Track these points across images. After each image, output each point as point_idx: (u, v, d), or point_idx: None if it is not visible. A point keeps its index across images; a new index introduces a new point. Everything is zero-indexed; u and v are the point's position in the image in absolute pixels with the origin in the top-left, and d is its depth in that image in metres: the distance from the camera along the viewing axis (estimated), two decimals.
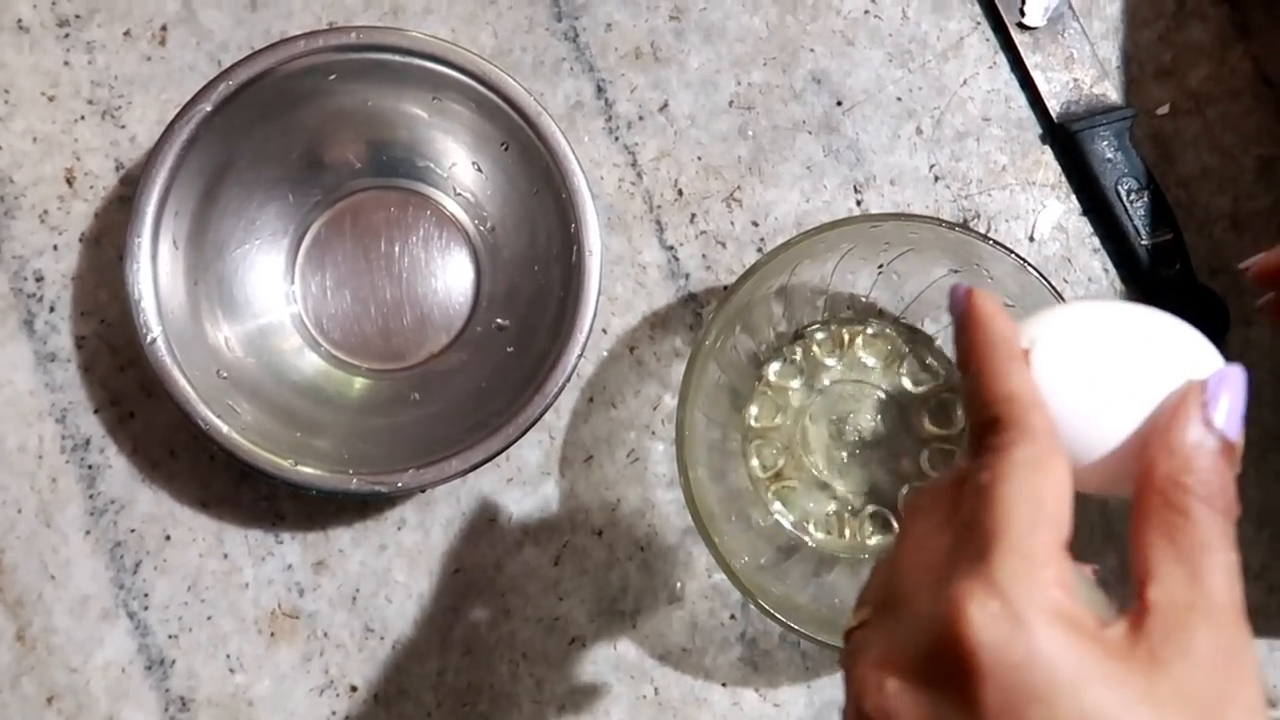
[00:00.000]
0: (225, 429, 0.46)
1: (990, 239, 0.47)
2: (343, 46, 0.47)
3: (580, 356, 0.47)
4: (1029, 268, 0.46)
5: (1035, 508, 0.28)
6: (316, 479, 0.46)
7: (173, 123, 0.46)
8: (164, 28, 0.53)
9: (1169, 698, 0.26)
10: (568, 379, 0.47)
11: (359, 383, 0.51)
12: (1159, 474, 0.29)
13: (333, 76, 0.48)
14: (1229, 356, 0.53)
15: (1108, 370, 0.30)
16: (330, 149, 0.51)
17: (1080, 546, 0.31)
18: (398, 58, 0.48)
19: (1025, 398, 0.30)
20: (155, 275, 0.47)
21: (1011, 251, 0.46)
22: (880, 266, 0.51)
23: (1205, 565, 0.28)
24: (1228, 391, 0.30)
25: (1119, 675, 0.26)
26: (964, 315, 0.32)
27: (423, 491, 0.52)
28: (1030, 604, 0.26)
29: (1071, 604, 0.27)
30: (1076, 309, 0.32)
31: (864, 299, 0.52)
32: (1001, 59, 0.55)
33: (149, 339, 0.46)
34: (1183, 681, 0.26)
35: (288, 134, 0.49)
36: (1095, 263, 0.54)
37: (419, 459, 0.47)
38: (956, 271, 0.49)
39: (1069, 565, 0.28)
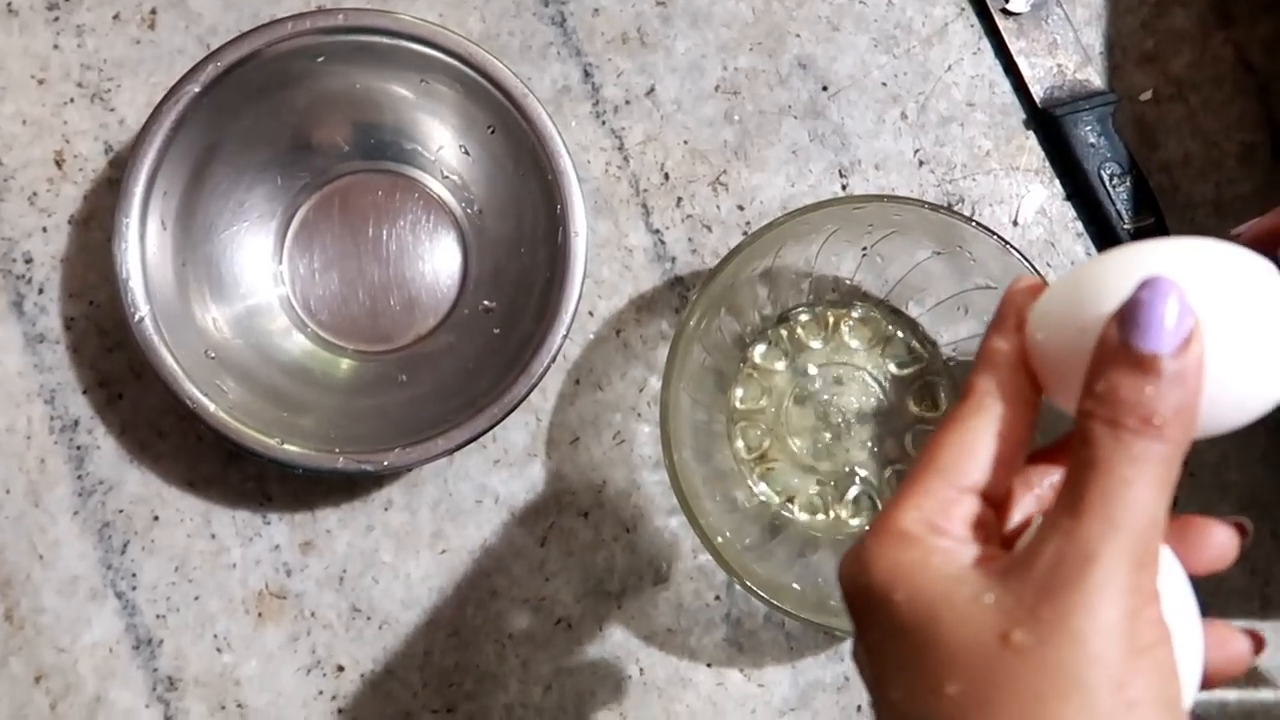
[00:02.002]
0: (212, 408, 0.46)
1: (973, 220, 0.47)
2: (330, 29, 0.47)
3: (565, 338, 0.48)
4: (1011, 249, 0.47)
5: (929, 457, 0.30)
6: (303, 458, 0.46)
7: (160, 104, 0.47)
8: (153, 11, 0.53)
9: (987, 606, 0.27)
10: (553, 360, 0.47)
11: (346, 364, 0.51)
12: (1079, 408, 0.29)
13: (320, 59, 0.48)
14: None
15: (1094, 317, 0.29)
16: (318, 131, 0.51)
17: None
18: (385, 40, 0.48)
19: (982, 362, 0.31)
20: (144, 255, 0.47)
21: (993, 233, 0.47)
22: (864, 249, 0.51)
23: (1085, 485, 0.27)
24: (1138, 304, 0.28)
25: (946, 592, 0.28)
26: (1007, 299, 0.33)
27: (409, 471, 0.52)
28: (877, 536, 0.29)
29: (929, 539, 0.29)
30: (1082, 266, 0.31)
31: (848, 282, 0.53)
32: (986, 45, 0.55)
33: (137, 318, 0.46)
34: (1010, 590, 0.27)
35: (276, 116, 0.50)
36: (1078, 247, 0.55)
37: (405, 439, 0.47)
38: (939, 254, 0.50)
39: (967, 508, 0.30)
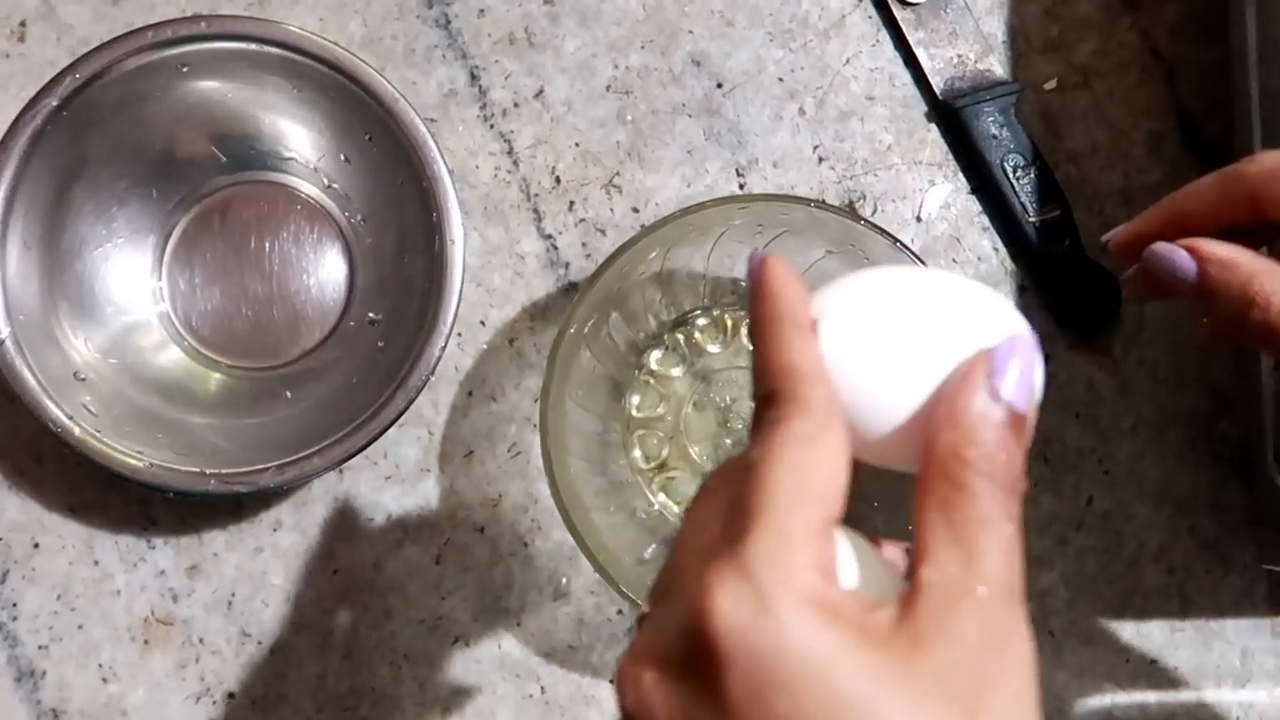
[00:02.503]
0: (77, 431, 0.45)
1: (861, 218, 0.46)
2: (193, 36, 0.46)
3: (444, 349, 0.46)
4: (900, 247, 0.45)
5: (799, 485, 0.26)
6: (172, 479, 0.45)
7: (16, 120, 0.45)
8: (23, 23, 0.52)
9: (927, 682, 0.25)
10: (431, 373, 0.46)
11: (226, 381, 0.50)
12: (940, 446, 0.27)
13: (185, 68, 0.47)
14: (1124, 332, 0.53)
15: (897, 339, 0.29)
16: (191, 144, 0.49)
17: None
18: (252, 47, 0.47)
19: (803, 370, 0.28)
20: (4, 277, 0.45)
21: (882, 231, 0.45)
22: (759, 248, 0.50)
23: (981, 543, 0.26)
24: (1017, 359, 0.28)
25: (874, 661, 0.25)
26: (754, 284, 0.30)
27: (294, 491, 0.50)
28: (779, 588, 0.25)
29: (826, 588, 0.26)
30: (872, 275, 0.31)
31: (745, 283, 0.51)
32: (884, 36, 0.54)
33: None
34: (944, 665, 0.25)
35: (144, 129, 0.48)
36: (984, 241, 0.53)
37: (284, 458, 0.46)
38: (833, 253, 0.48)
39: (835, 546, 0.27)
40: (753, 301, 0.30)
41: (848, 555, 0.28)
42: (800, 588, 0.25)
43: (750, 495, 0.26)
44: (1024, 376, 0.28)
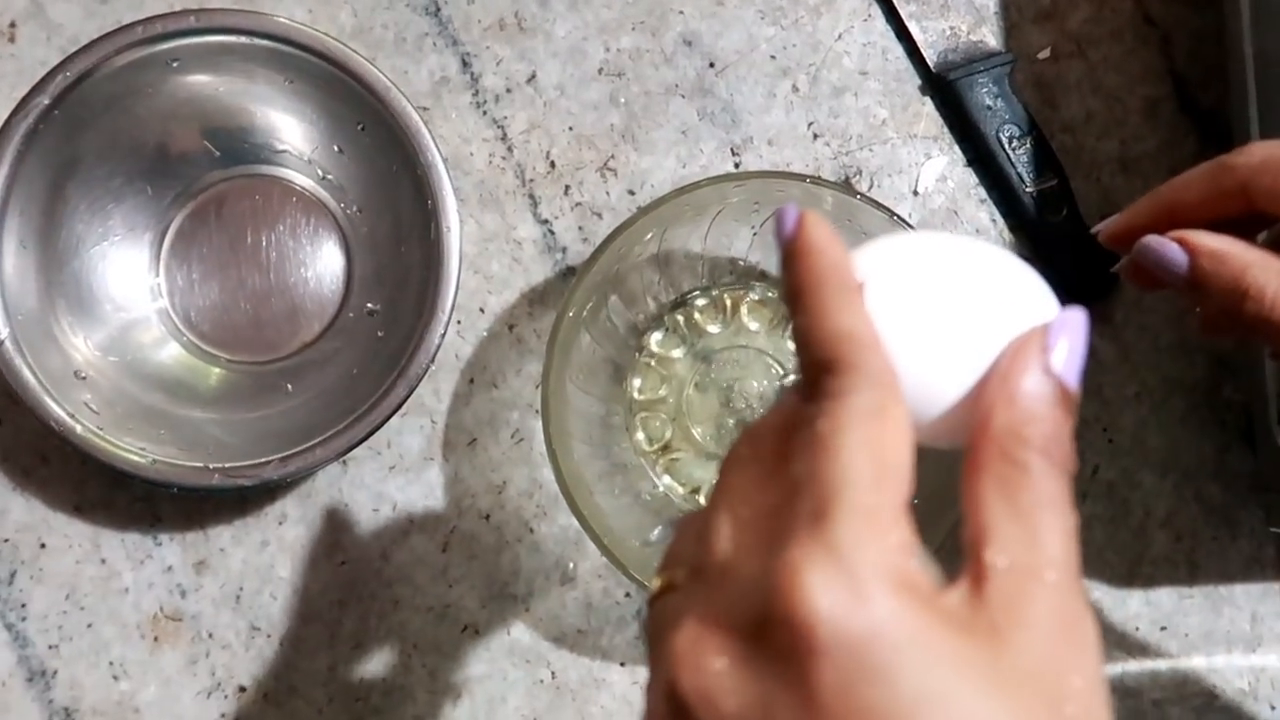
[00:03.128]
0: (79, 429, 0.45)
1: (858, 193, 0.46)
2: (182, 31, 0.46)
3: (443, 337, 0.46)
4: (898, 220, 0.45)
5: (878, 461, 0.25)
6: (176, 475, 0.45)
7: (9, 120, 0.45)
8: (13, 24, 0.52)
9: (1012, 673, 0.24)
10: (431, 361, 0.46)
11: (227, 376, 0.50)
12: (997, 425, 0.27)
13: (176, 63, 0.47)
14: (1125, 301, 0.53)
15: (947, 310, 0.28)
16: (185, 139, 0.49)
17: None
18: (242, 39, 0.47)
19: (864, 337, 0.27)
20: (1, 276, 0.45)
21: (879, 205, 0.45)
22: (754, 228, 0.50)
23: (1043, 524, 0.26)
24: (1068, 337, 0.28)
25: (964, 651, 0.24)
26: (794, 243, 0.29)
27: (299, 483, 0.50)
28: (874, 572, 0.24)
29: (914, 571, 0.25)
30: (913, 240, 0.30)
31: (743, 262, 0.51)
32: (876, 10, 0.54)
33: None
34: (1024, 654, 0.24)
35: (137, 125, 0.48)
36: (982, 213, 0.53)
37: (287, 451, 0.46)
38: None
39: (910, 526, 0.25)
40: (792, 260, 0.28)
41: None
42: (892, 570, 0.24)
43: (825, 470, 0.25)
44: (1074, 354, 0.27)
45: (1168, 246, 0.37)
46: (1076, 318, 0.28)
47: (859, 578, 0.24)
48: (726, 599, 0.26)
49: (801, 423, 0.27)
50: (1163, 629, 0.52)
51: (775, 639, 0.24)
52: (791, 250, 0.29)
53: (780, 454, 0.28)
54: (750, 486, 0.28)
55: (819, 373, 0.27)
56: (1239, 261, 0.35)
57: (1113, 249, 0.40)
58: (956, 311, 0.29)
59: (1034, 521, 0.26)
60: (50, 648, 0.50)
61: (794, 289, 0.28)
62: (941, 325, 0.28)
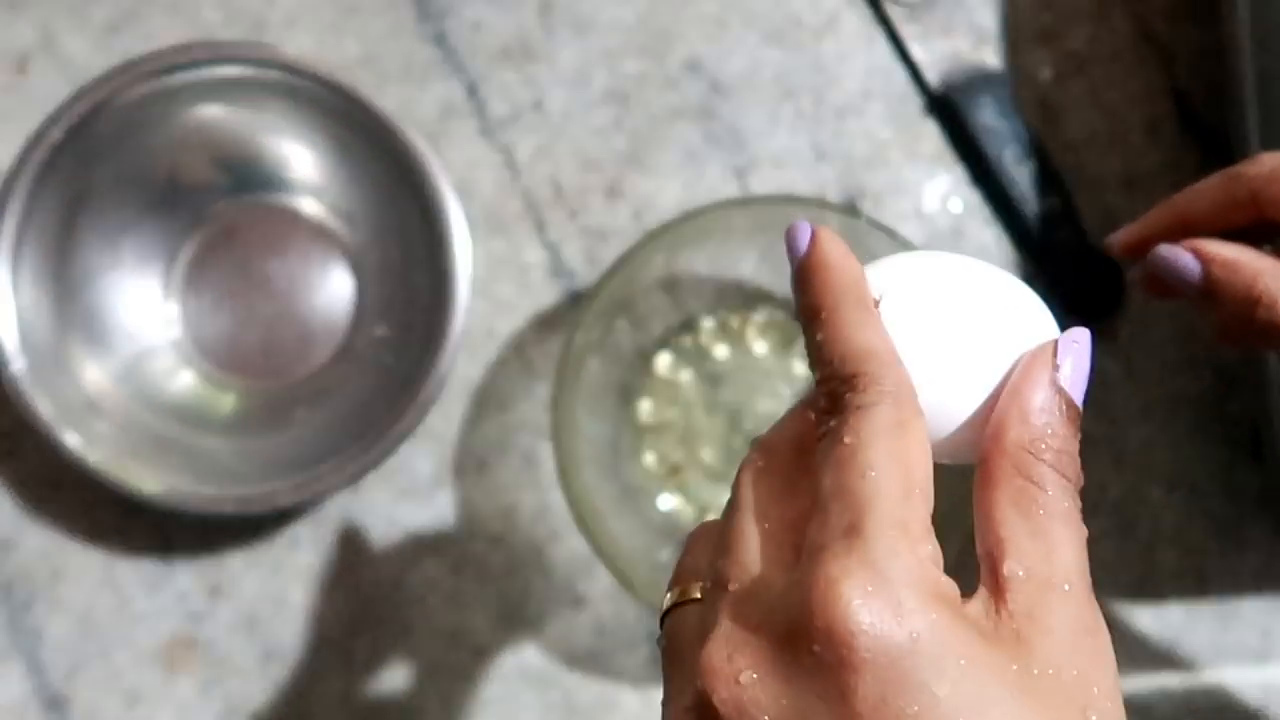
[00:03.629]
0: (92, 458, 0.45)
1: (861, 215, 0.46)
2: (192, 63, 0.46)
3: (452, 362, 0.46)
4: (900, 240, 0.46)
5: (905, 475, 0.25)
6: (189, 503, 0.45)
7: (22, 154, 0.46)
8: (24, 57, 0.53)
9: (1040, 680, 0.24)
10: (441, 386, 0.46)
11: (238, 402, 0.50)
12: (1010, 440, 0.27)
13: (186, 95, 0.47)
14: (1129, 318, 0.53)
15: (958, 328, 0.29)
16: (195, 169, 0.50)
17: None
18: (250, 71, 0.47)
19: (885, 353, 0.27)
20: (17, 307, 0.46)
21: (882, 226, 0.46)
22: (763, 250, 0.50)
23: (1058, 537, 0.26)
24: (1073, 354, 0.28)
25: (995, 660, 0.24)
26: (808, 260, 0.29)
27: (311, 509, 0.51)
28: (910, 585, 0.24)
29: (946, 582, 0.25)
30: (923, 259, 0.30)
31: (751, 284, 0.52)
32: (878, 33, 0.54)
33: (9, 371, 0.45)
34: (1049, 662, 0.25)
35: (148, 157, 0.49)
36: (986, 232, 0.53)
37: (299, 476, 0.46)
38: None
39: (936, 539, 0.26)
40: (808, 276, 0.29)
41: None
42: (926, 582, 0.24)
43: (855, 485, 0.25)
44: (1079, 370, 0.28)
45: (1181, 255, 0.37)
46: (1082, 335, 0.29)
47: (895, 590, 0.24)
48: (758, 611, 0.26)
49: (823, 437, 0.27)
50: (1172, 644, 0.52)
51: (812, 651, 0.24)
52: (806, 267, 0.29)
53: (798, 466, 0.28)
54: (769, 499, 0.28)
55: (840, 387, 0.27)
56: (1251, 269, 0.36)
57: (1126, 258, 0.41)
58: (966, 329, 0.29)
59: (1049, 534, 0.26)
60: (66, 676, 0.50)
61: (810, 306, 0.29)
62: (952, 342, 0.29)
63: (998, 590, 0.26)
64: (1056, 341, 0.28)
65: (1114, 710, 0.25)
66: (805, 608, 0.24)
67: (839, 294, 0.28)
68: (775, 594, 0.26)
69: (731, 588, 0.27)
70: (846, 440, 0.26)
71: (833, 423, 0.27)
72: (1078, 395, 0.28)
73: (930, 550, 0.25)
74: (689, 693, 0.26)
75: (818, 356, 0.28)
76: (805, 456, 0.28)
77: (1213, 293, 0.36)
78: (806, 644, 0.24)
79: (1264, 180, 0.37)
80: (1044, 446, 0.27)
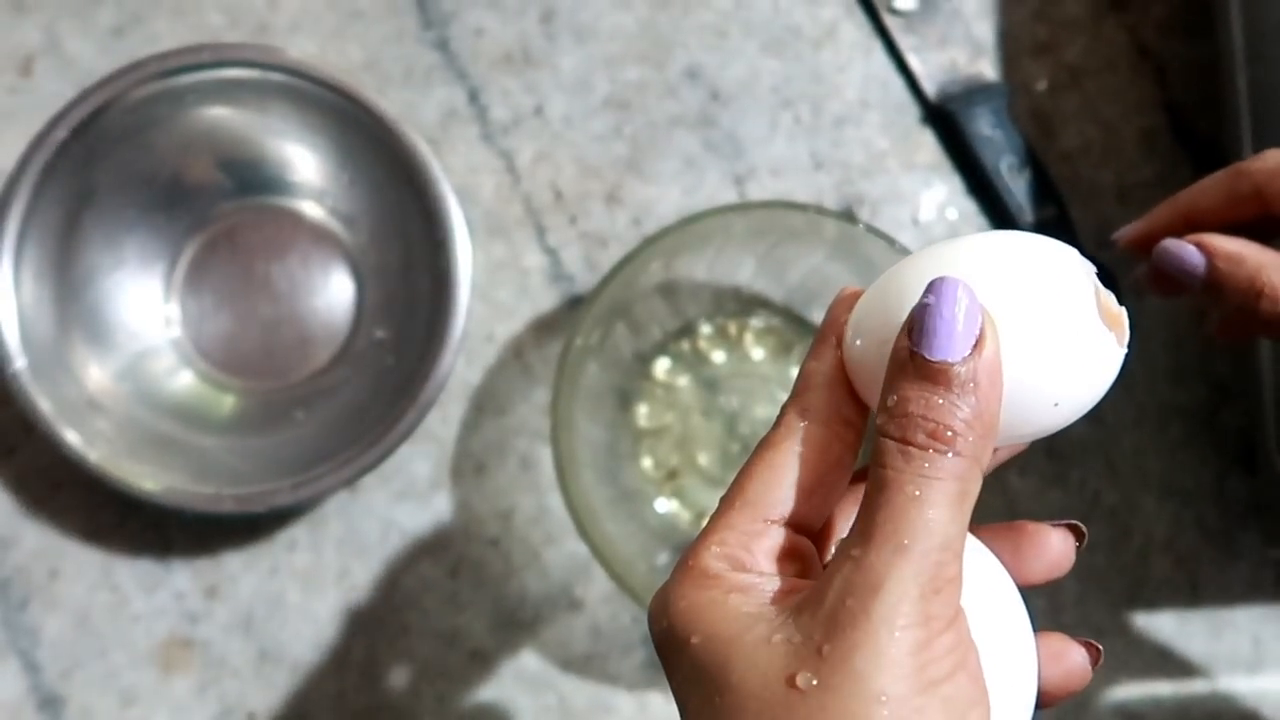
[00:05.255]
0: (93, 456, 0.45)
1: (859, 221, 0.47)
2: (195, 65, 0.47)
3: (453, 365, 0.47)
4: (898, 248, 0.46)
5: (737, 487, 0.28)
6: (188, 500, 0.46)
7: (27, 153, 0.46)
8: (29, 59, 0.53)
9: (776, 646, 0.26)
10: (441, 388, 0.47)
11: (237, 403, 0.51)
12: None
13: (190, 97, 0.48)
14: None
15: (896, 323, 0.28)
16: (197, 170, 0.50)
17: None
18: (255, 74, 0.47)
19: (799, 385, 0.29)
20: (19, 306, 0.46)
21: (879, 233, 0.46)
22: (760, 257, 0.51)
23: (874, 507, 0.26)
24: (924, 309, 0.26)
25: (739, 634, 0.26)
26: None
27: (309, 510, 0.51)
28: (680, 575, 0.28)
29: (730, 576, 0.27)
30: (897, 267, 0.29)
31: (748, 290, 0.52)
32: (876, 43, 0.55)
33: (11, 369, 0.45)
34: (799, 629, 0.25)
35: (151, 158, 0.49)
36: None
37: (298, 477, 0.47)
38: (834, 257, 0.49)
39: (771, 539, 0.28)
40: None
41: None
42: (695, 574, 0.27)
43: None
44: (937, 322, 0.26)
45: (1185, 249, 0.38)
46: (935, 286, 0.26)
47: (669, 584, 0.28)
48: None
49: None
50: (1164, 653, 0.52)
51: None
52: None
53: None
54: None
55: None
56: (1254, 263, 0.36)
57: (1130, 254, 0.41)
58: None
59: (868, 505, 0.26)
60: (62, 675, 0.50)
61: None
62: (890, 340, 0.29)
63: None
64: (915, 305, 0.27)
65: (845, 675, 0.24)
66: None
67: (817, 336, 0.30)
68: None
69: None
70: None
71: None
72: (932, 349, 0.26)
73: (723, 550, 0.28)
74: None
75: None
76: None
77: (1216, 286, 0.37)
78: None
79: (1268, 175, 0.37)
80: (882, 419, 0.27)
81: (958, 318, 0.26)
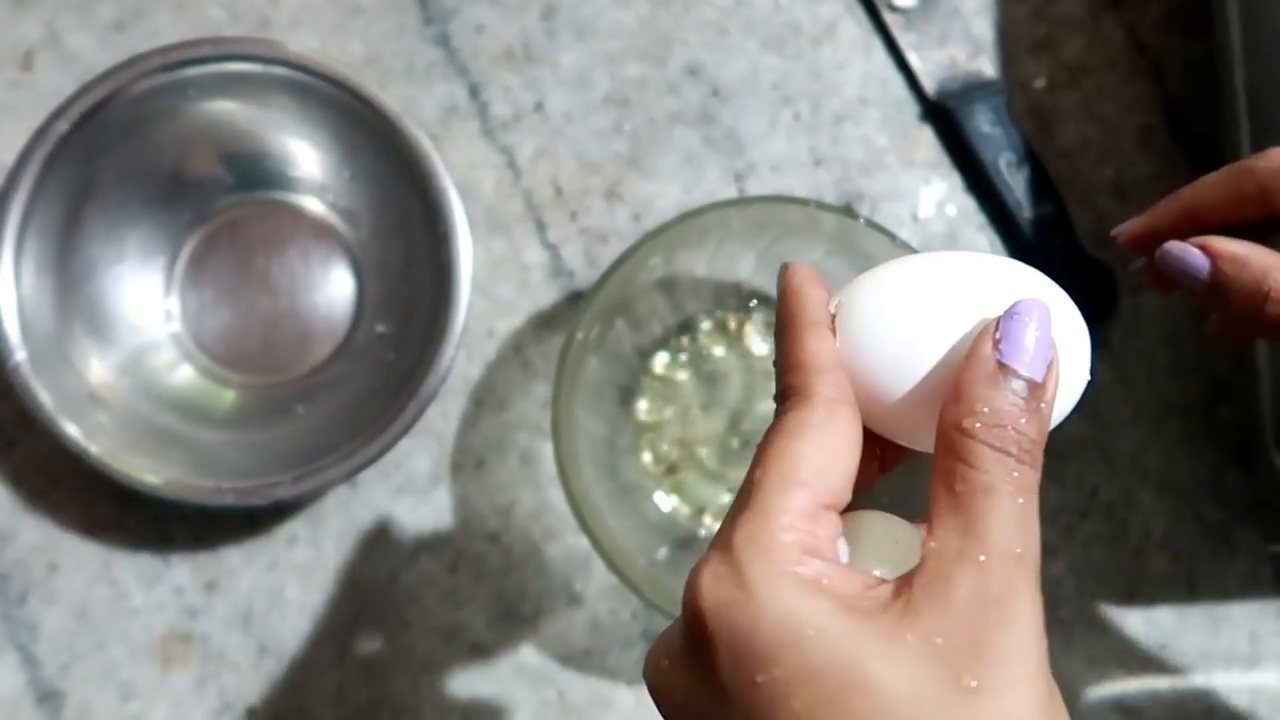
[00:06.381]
0: (94, 449, 0.45)
1: (859, 216, 0.47)
2: (197, 59, 0.47)
3: (453, 359, 0.47)
4: (898, 243, 0.46)
5: (786, 471, 0.27)
6: (189, 494, 0.46)
7: (28, 146, 0.46)
8: (29, 53, 0.53)
9: (910, 648, 0.25)
10: (442, 382, 0.47)
11: (238, 397, 0.51)
12: (944, 420, 0.28)
13: (191, 90, 0.48)
14: (1123, 324, 0.54)
15: (914, 320, 0.29)
16: (198, 164, 0.50)
17: None
18: (257, 68, 0.48)
19: (812, 364, 0.29)
20: (19, 298, 0.46)
21: (880, 228, 0.46)
22: (760, 252, 0.51)
23: (980, 511, 0.26)
24: (1020, 326, 0.28)
25: (854, 627, 0.25)
26: (780, 290, 0.31)
27: (309, 504, 0.51)
28: (755, 565, 0.26)
29: (807, 563, 0.26)
30: (895, 263, 0.31)
31: (748, 285, 0.52)
32: (876, 40, 0.55)
33: (12, 362, 0.45)
34: (931, 629, 0.25)
35: (153, 151, 0.49)
36: (981, 239, 0.54)
37: (298, 471, 0.47)
38: (834, 252, 0.49)
39: (820, 527, 0.27)
40: (778, 304, 0.31)
41: (869, 539, 0.29)
42: (777, 562, 0.26)
43: (744, 484, 0.28)
44: (1030, 341, 0.27)
45: (1189, 252, 0.37)
46: (1027, 307, 0.28)
47: (743, 572, 0.26)
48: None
49: None
50: (1162, 648, 0.53)
51: (689, 634, 0.27)
52: (778, 296, 0.31)
53: None
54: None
55: (778, 402, 0.30)
56: (1260, 265, 0.36)
57: (1130, 252, 0.41)
58: (927, 320, 0.29)
59: (971, 509, 0.27)
60: (61, 669, 0.50)
61: (775, 329, 0.31)
62: (912, 335, 0.29)
63: (917, 568, 0.27)
64: (1000, 315, 0.28)
65: (1006, 677, 0.25)
66: (685, 597, 0.27)
67: (789, 317, 0.30)
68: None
69: None
70: (758, 445, 0.29)
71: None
72: (1025, 364, 0.27)
73: (796, 536, 0.27)
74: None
75: (776, 373, 0.31)
76: None
77: (1221, 289, 0.37)
78: (687, 628, 0.27)
79: (1273, 174, 0.37)
80: (975, 424, 0.27)
81: (1049, 340, 0.28)
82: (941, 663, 0.25)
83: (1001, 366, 0.27)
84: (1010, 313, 0.28)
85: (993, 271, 0.30)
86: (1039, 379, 0.27)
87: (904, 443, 0.30)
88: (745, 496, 0.28)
